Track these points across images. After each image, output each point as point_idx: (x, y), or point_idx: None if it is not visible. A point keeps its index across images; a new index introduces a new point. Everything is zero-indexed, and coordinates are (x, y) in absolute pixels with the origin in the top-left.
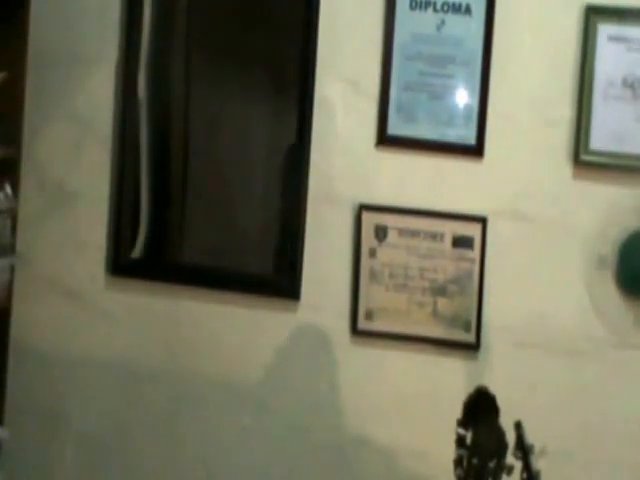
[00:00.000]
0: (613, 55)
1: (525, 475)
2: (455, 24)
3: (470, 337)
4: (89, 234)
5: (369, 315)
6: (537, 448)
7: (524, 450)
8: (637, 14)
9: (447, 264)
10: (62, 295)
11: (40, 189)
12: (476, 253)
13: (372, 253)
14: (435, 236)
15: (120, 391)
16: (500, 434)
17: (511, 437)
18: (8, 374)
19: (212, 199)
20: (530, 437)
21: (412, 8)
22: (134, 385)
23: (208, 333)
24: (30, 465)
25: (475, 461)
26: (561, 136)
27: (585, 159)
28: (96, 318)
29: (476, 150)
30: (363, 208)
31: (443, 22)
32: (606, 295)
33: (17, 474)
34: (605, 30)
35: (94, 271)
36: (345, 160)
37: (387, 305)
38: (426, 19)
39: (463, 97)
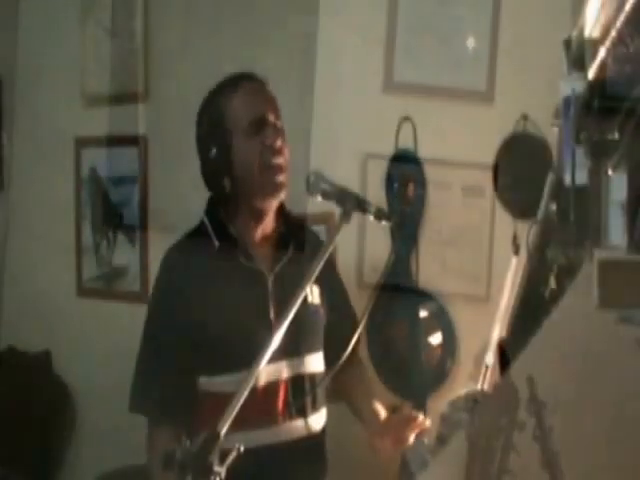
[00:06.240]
0: None
1: (538, 431)
2: None
3: (480, 289)
4: None
5: (376, 270)
6: (550, 403)
7: (537, 406)
8: None
9: (457, 214)
10: None
11: None
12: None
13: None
14: (444, 185)
15: None
16: (512, 390)
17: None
18: None
19: None
20: (542, 393)
21: None
22: None
23: None
24: None
25: (486, 418)
26: None
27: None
28: None
29: (486, 95)
30: (369, 157)
31: None
32: None
33: None
34: None
35: None
36: (350, 107)
37: None
38: None
39: (472, 40)
